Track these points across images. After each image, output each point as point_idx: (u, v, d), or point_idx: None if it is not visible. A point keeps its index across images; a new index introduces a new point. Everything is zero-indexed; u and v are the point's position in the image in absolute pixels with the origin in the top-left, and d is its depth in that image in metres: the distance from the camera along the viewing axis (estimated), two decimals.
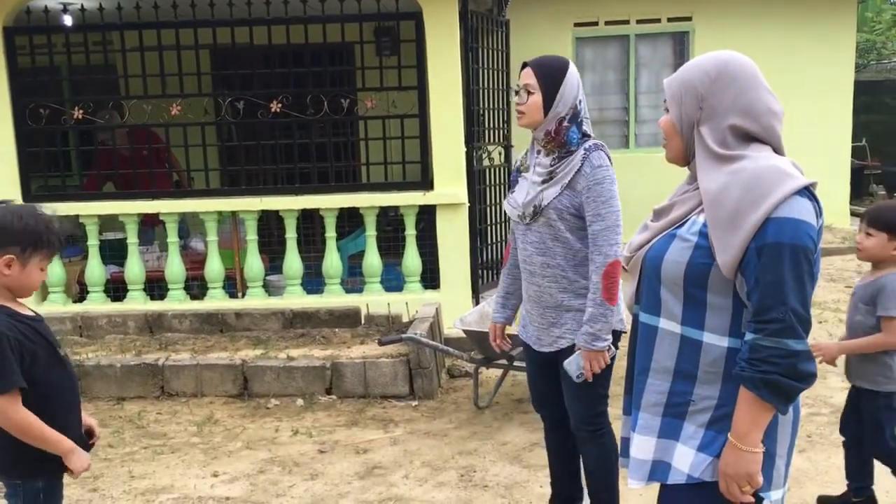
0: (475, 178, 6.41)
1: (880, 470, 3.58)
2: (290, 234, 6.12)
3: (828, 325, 6.03)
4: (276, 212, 6.18)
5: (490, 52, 6.93)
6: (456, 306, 5.73)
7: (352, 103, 6.04)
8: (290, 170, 6.44)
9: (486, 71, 6.81)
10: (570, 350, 2.97)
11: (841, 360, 3.33)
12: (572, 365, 2.90)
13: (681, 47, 9.22)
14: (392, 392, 5.12)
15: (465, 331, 4.79)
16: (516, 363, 4.66)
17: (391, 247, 6.62)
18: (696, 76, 1.89)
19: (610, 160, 2.91)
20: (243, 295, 6.25)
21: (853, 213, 9.47)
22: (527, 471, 4.03)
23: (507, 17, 7.71)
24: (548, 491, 3.43)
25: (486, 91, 6.81)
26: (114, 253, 6.45)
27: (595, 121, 8.00)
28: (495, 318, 3.34)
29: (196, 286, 6.44)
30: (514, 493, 3.81)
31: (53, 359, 2.38)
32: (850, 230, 8.89)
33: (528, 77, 2.95)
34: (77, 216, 6.09)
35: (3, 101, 5.90)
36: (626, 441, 2.08)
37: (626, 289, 2.14)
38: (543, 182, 2.93)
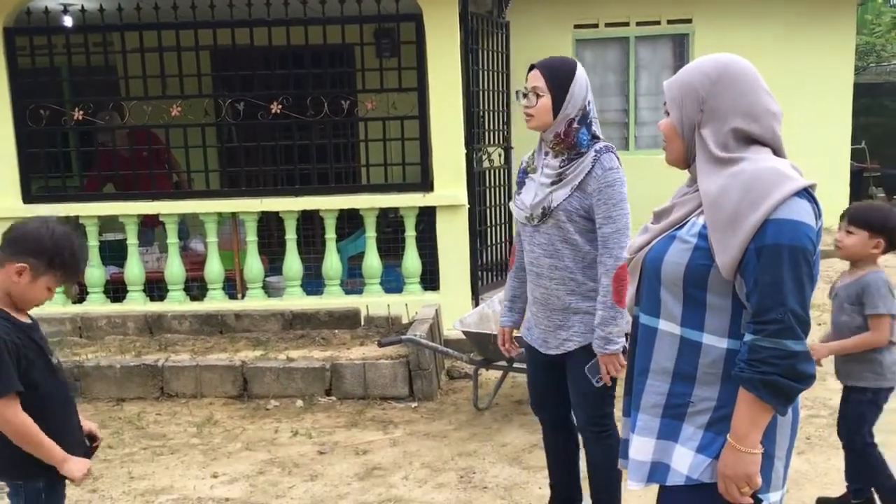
0: (475, 179, 6.41)
1: None
2: (290, 236, 6.12)
3: (827, 327, 6.01)
4: (276, 213, 6.18)
5: (490, 53, 6.94)
6: (456, 308, 5.73)
7: (352, 105, 6.04)
8: (290, 171, 6.45)
9: (486, 73, 6.82)
10: (577, 353, 2.96)
11: (830, 361, 3.34)
12: (593, 370, 2.90)
13: (681, 49, 9.22)
14: (392, 393, 5.12)
15: (464, 332, 4.79)
16: (516, 365, 4.66)
17: (391, 248, 6.61)
18: (697, 79, 1.90)
19: (619, 162, 2.90)
20: (243, 296, 6.25)
21: None
22: (526, 472, 4.03)
23: (507, 18, 7.73)
24: (547, 492, 3.43)
25: (486, 93, 6.81)
26: (113, 254, 6.45)
27: None
28: (503, 321, 3.32)
29: (196, 287, 6.44)
30: (513, 494, 3.81)
31: (45, 366, 2.38)
32: None
33: (537, 79, 2.92)
34: (77, 217, 6.09)
35: (3, 102, 5.90)
36: (626, 442, 2.09)
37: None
38: (553, 184, 2.91)
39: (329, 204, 6.05)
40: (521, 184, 3.09)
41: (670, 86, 1.95)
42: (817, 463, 4.01)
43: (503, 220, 7.17)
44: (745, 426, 1.80)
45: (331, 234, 6.11)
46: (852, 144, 9.88)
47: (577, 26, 9.12)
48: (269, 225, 6.90)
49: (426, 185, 6.01)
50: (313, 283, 6.26)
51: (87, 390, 5.19)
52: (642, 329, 2.01)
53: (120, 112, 6.24)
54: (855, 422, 3.25)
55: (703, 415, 1.90)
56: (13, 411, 2.27)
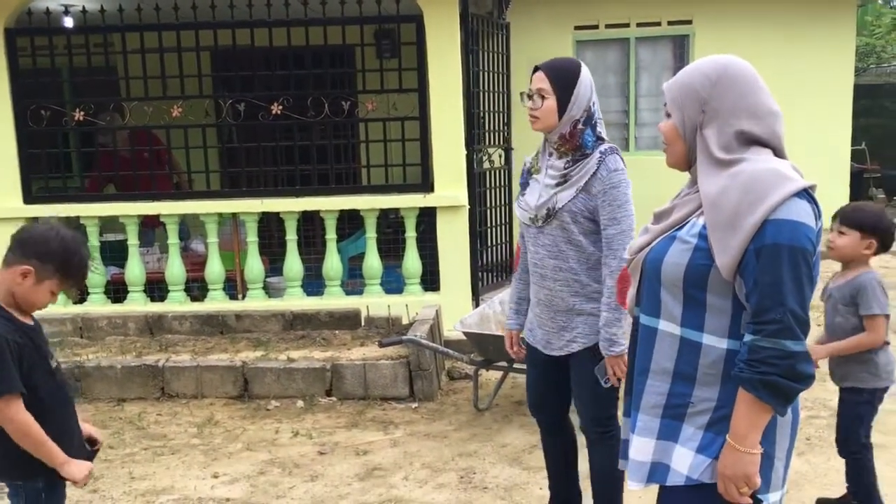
0: (475, 180, 6.42)
1: (881, 471, 3.59)
2: (291, 236, 6.13)
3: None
4: (277, 214, 6.19)
5: (490, 54, 6.95)
6: (456, 308, 5.74)
7: (352, 105, 6.05)
8: (290, 172, 6.46)
9: (486, 73, 6.83)
10: (581, 354, 2.96)
11: (825, 362, 3.34)
12: (601, 371, 2.90)
13: (681, 50, 9.23)
14: (392, 394, 5.12)
15: (465, 333, 4.80)
16: (516, 365, 4.66)
17: (391, 249, 6.62)
18: (697, 80, 1.90)
19: (624, 164, 2.90)
20: (243, 297, 6.25)
21: None
22: (526, 472, 4.04)
23: (507, 19, 7.74)
24: (547, 493, 3.43)
25: (486, 94, 6.82)
26: (114, 254, 6.45)
27: None
28: (509, 324, 3.30)
29: (196, 288, 6.45)
30: (513, 494, 3.82)
31: (45, 370, 2.38)
32: None
33: (541, 81, 2.91)
34: (78, 217, 6.10)
35: (4, 103, 5.91)
36: (626, 443, 2.09)
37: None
38: (557, 185, 2.90)
39: (329, 204, 6.06)
40: (524, 185, 3.08)
41: (670, 87, 1.95)
42: (817, 464, 4.01)
43: (503, 221, 7.18)
44: (744, 426, 1.81)
45: (331, 235, 6.12)
46: (852, 145, 9.88)
47: (577, 27, 9.12)
48: (270, 225, 6.90)
49: (426, 185, 6.01)
50: (314, 283, 6.27)
51: (88, 390, 5.20)
52: (642, 329, 2.01)
53: (121, 113, 6.25)
54: (853, 423, 3.25)
55: (703, 415, 1.90)
56: (16, 410, 2.27)
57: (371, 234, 6.11)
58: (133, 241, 6.14)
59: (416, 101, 5.94)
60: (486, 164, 6.86)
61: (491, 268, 7.04)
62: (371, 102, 6.01)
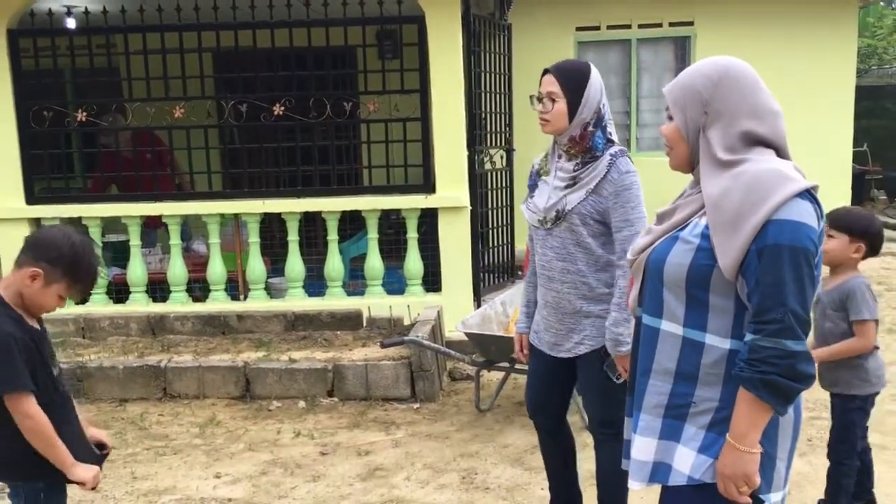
0: (477, 181, 6.43)
1: (881, 471, 3.59)
2: (292, 237, 6.14)
3: None
4: (279, 214, 6.20)
5: (492, 55, 6.95)
6: (457, 309, 5.74)
7: (354, 106, 6.05)
8: (292, 172, 6.47)
9: (488, 74, 6.84)
10: (588, 356, 2.95)
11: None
12: (611, 367, 2.90)
13: (682, 52, 9.23)
14: (394, 394, 5.13)
15: (466, 334, 4.80)
16: (518, 366, 4.66)
17: (393, 250, 6.63)
18: (699, 81, 1.91)
19: (633, 165, 2.89)
20: (245, 297, 6.26)
21: None
22: (528, 473, 4.04)
23: (509, 20, 7.74)
24: (549, 494, 3.43)
25: (488, 95, 6.83)
26: (116, 255, 6.46)
27: None
28: (519, 328, 3.29)
29: (198, 288, 6.46)
30: (515, 495, 3.82)
31: (47, 377, 2.39)
32: None
33: (551, 84, 2.89)
34: (80, 218, 6.11)
35: (6, 104, 5.93)
36: (628, 443, 2.10)
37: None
38: (567, 187, 2.89)
39: (331, 205, 6.07)
40: (532, 187, 3.07)
41: (672, 90, 1.96)
42: (818, 465, 4.00)
43: (505, 222, 7.19)
44: (744, 426, 1.81)
45: (333, 236, 6.12)
46: (854, 147, 9.88)
47: (578, 28, 9.13)
48: (272, 226, 6.91)
49: (428, 186, 6.02)
50: (315, 284, 6.27)
51: (90, 391, 5.21)
52: (645, 330, 2.02)
53: (123, 114, 6.26)
54: (845, 429, 3.23)
55: (705, 415, 1.91)
56: (31, 405, 2.29)
57: (373, 234, 6.12)
58: (135, 241, 6.15)
59: (418, 101, 5.95)
60: (488, 165, 6.86)
61: (492, 269, 7.05)
62: (373, 103, 6.02)
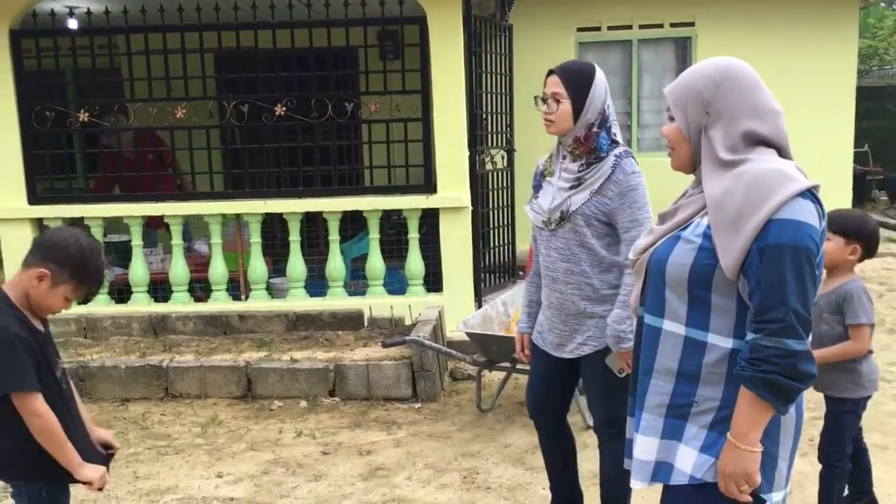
0: (478, 181, 6.44)
1: (882, 471, 3.60)
2: (294, 237, 6.15)
3: None
4: (280, 215, 6.21)
5: (493, 56, 6.96)
6: (459, 309, 5.75)
7: (355, 107, 6.06)
8: (293, 173, 6.48)
9: (489, 75, 6.85)
10: (592, 356, 2.95)
11: None
12: (613, 361, 2.90)
13: (683, 52, 9.24)
14: (395, 394, 5.14)
15: (468, 334, 4.81)
16: (519, 366, 4.67)
17: (394, 250, 6.64)
18: (700, 82, 1.92)
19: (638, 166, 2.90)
20: (247, 297, 6.27)
21: None
22: (529, 473, 4.05)
23: (510, 21, 7.75)
24: (549, 493, 3.44)
25: (489, 95, 6.84)
26: (118, 255, 6.47)
27: None
28: (521, 328, 3.28)
29: (199, 288, 6.47)
30: (516, 495, 3.83)
31: (52, 379, 2.40)
32: None
33: (556, 85, 2.89)
34: (82, 218, 6.12)
35: (9, 104, 5.94)
36: (630, 442, 2.10)
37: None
38: (571, 188, 2.90)
39: (332, 206, 6.08)
40: (537, 187, 3.07)
41: (673, 90, 1.97)
42: (820, 465, 4.01)
43: (506, 222, 7.20)
44: (745, 425, 1.82)
45: (334, 236, 6.13)
46: (855, 148, 9.89)
47: (579, 29, 9.14)
48: (273, 226, 6.92)
49: (429, 186, 6.03)
50: (317, 284, 6.28)
51: (92, 390, 5.21)
52: (647, 329, 2.02)
53: (125, 114, 6.27)
54: (836, 432, 3.22)
55: (707, 414, 1.91)
56: (43, 406, 2.30)
57: (374, 235, 6.13)
58: (137, 241, 6.16)
59: (419, 102, 5.96)
60: (489, 166, 6.87)
61: (494, 269, 7.06)
62: (374, 104, 6.03)
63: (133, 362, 5.29)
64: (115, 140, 6.50)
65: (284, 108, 5.92)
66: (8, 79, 5.91)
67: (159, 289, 6.33)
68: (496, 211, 7.05)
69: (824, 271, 3.19)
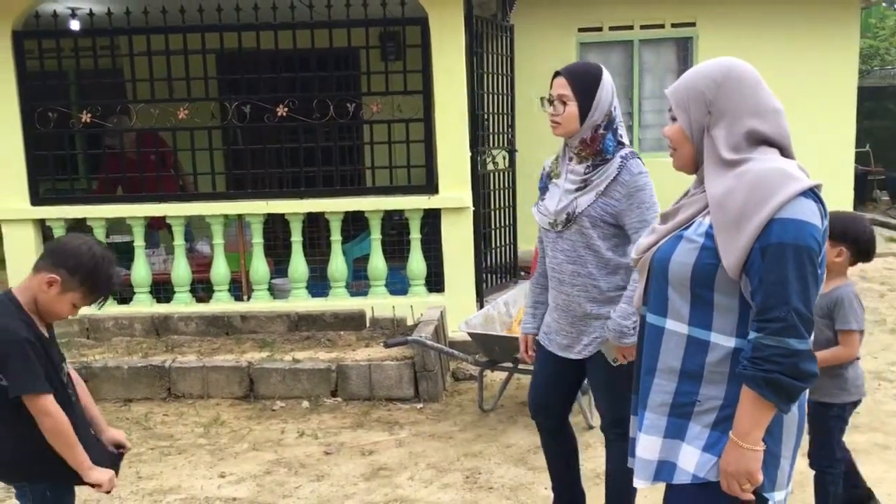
0: (480, 182, 6.44)
1: (883, 470, 3.61)
2: (296, 238, 6.16)
3: None
4: (282, 215, 6.22)
5: (495, 56, 6.97)
6: (461, 309, 5.75)
7: (357, 107, 6.07)
8: (295, 173, 6.49)
9: (490, 76, 6.85)
10: (599, 357, 2.95)
11: None
12: (609, 351, 2.90)
13: (684, 53, 9.25)
14: (397, 394, 5.14)
15: (469, 334, 4.81)
16: (521, 366, 4.68)
17: (396, 250, 6.65)
18: (702, 82, 1.92)
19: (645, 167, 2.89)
20: (249, 298, 6.28)
21: None
22: (531, 473, 4.06)
23: (511, 22, 7.76)
24: (552, 493, 3.44)
25: (490, 95, 6.85)
26: (120, 256, 6.47)
27: None
28: (525, 328, 3.28)
29: (201, 289, 6.48)
30: (518, 494, 3.84)
31: (58, 384, 2.41)
32: None
33: (562, 87, 2.88)
34: (85, 219, 6.13)
35: (11, 105, 5.95)
36: (633, 441, 2.11)
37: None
38: (577, 189, 2.89)
39: (334, 206, 6.08)
40: (543, 189, 3.06)
41: (675, 91, 1.97)
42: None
43: (508, 223, 7.21)
44: (747, 423, 1.82)
45: (336, 237, 6.14)
46: (856, 148, 9.89)
47: (581, 30, 9.15)
48: (275, 227, 6.93)
49: (431, 187, 6.03)
50: (319, 284, 6.29)
51: (95, 391, 5.20)
52: (649, 328, 2.03)
53: (127, 115, 6.28)
54: (823, 437, 3.20)
55: (710, 414, 1.92)
56: (55, 406, 2.31)
57: (376, 235, 6.14)
58: (139, 242, 6.17)
59: (421, 102, 5.96)
60: (490, 166, 6.88)
61: (495, 269, 7.07)
62: (376, 104, 6.03)
63: (135, 363, 5.30)
64: (117, 141, 6.52)
65: (286, 109, 5.92)
66: (10, 80, 5.92)
67: (161, 289, 6.34)
68: (498, 211, 7.05)
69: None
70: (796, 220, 1.78)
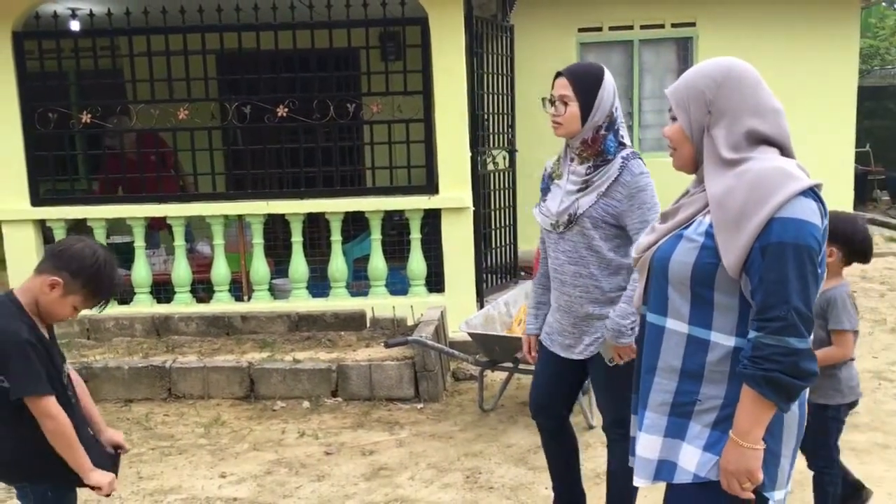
0: (480, 182, 6.45)
1: (883, 470, 3.61)
2: (296, 238, 6.16)
3: None
4: (282, 215, 6.22)
5: (495, 56, 6.97)
6: (461, 310, 5.75)
7: (357, 108, 6.07)
8: (295, 174, 6.49)
9: (490, 76, 6.86)
10: (600, 357, 2.96)
11: None
12: (606, 350, 2.89)
13: (684, 53, 9.25)
14: (397, 395, 5.15)
15: (470, 334, 4.82)
16: (521, 366, 4.68)
17: (396, 251, 6.65)
18: (702, 82, 1.93)
19: (646, 167, 2.89)
20: (249, 298, 6.28)
21: None
22: (532, 472, 4.06)
23: (511, 22, 7.76)
24: (552, 493, 3.45)
25: (490, 96, 6.85)
26: (120, 256, 6.47)
27: None
28: (529, 329, 3.28)
29: (202, 289, 6.48)
30: (519, 494, 3.84)
31: (59, 386, 2.41)
32: None
33: (564, 88, 2.88)
34: (85, 219, 6.14)
35: (12, 105, 5.95)
36: (634, 440, 2.11)
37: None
38: (579, 190, 2.89)
39: (334, 206, 6.09)
40: (545, 190, 3.06)
41: (675, 91, 1.98)
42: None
43: (508, 223, 7.21)
44: (747, 422, 1.83)
45: (336, 237, 6.14)
46: (856, 147, 9.89)
47: (581, 30, 9.15)
48: (275, 227, 6.93)
49: (431, 187, 6.03)
50: (319, 285, 6.29)
51: (96, 391, 5.21)
52: (650, 328, 2.03)
53: (128, 115, 6.29)
54: (820, 438, 3.18)
55: (710, 413, 1.92)
56: (57, 408, 2.31)
57: (376, 235, 6.14)
58: (139, 243, 6.17)
59: (421, 103, 5.96)
60: (491, 166, 6.88)
61: (495, 269, 7.07)
62: (376, 104, 6.04)
63: (136, 363, 5.30)
64: (117, 141, 6.52)
65: (286, 110, 5.93)
66: (10, 80, 5.93)
67: (162, 290, 6.35)
68: (498, 211, 7.05)
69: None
70: (796, 220, 1.78)
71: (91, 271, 2.36)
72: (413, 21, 5.92)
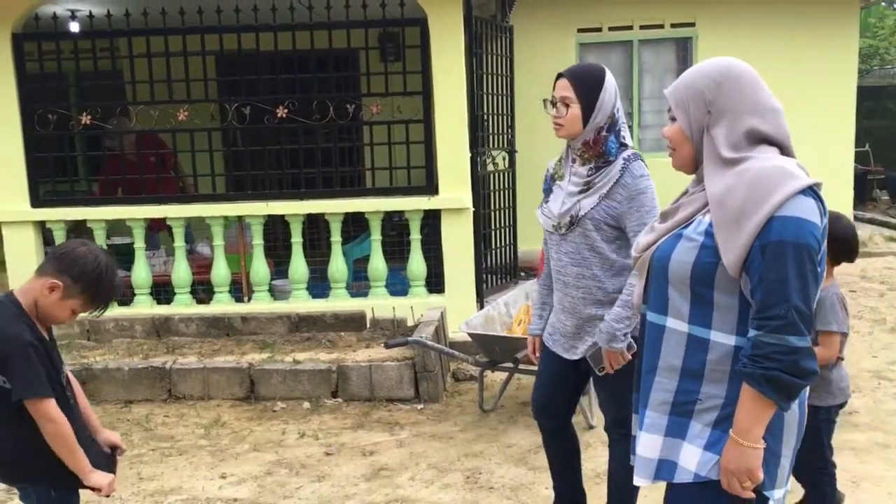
0: (479, 182, 6.45)
1: (883, 469, 3.61)
2: (296, 239, 6.16)
3: None
4: (282, 216, 6.22)
5: (494, 57, 6.98)
6: (461, 310, 5.76)
7: (357, 109, 6.08)
8: (295, 175, 6.50)
9: (490, 76, 6.86)
10: (600, 354, 2.97)
11: None
12: (595, 358, 2.88)
13: (684, 53, 9.24)
14: (397, 395, 5.15)
15: (470, 334, 4.82)
16: (522, 366, 4.68)
17: (396, 251, 6.65)
18: (701, 82, 1.93)
19: (647, 169, 2.89)
20: (249, 299, 6.28)
21: (856, 219, 9.50)
22: (532, 473, 4.06)
23: (510, 22, 7.77)
24: (553, 493, 3.45)
25: (490, 96, 6.85)
26: (120, 257, 6.48)
27: None
28: (532, 330, 3.28)
29: (202, 290, 6.48)
30: (519, 494, 3.84)
31: (58, 388, 2.41)
32: None
33: (565, 89, 2.88)
34: (85, 221, 6.14)
35: (11, 107, 5.96)
36: (634, 439, 2.11)
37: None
38: (580, 192, 2.89)
39: (334, 207, 6.09)
40: (547, 191, 3.06)
41: (674, 91, 1.98)
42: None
43: (507, 223, 7.21)
44: (747, 421, 1.83)
45: (336, 238, 6.14)
46: (856, 147, 9.88)
47: (580, 30, 9.14)
48: (275, 228, 6.93)
49: (431, 188, 6.04)
50: (319, 286, 6.30)
51: (96, 392, 5.22)
52: (650, 327, 2.03)
53: (127, 117, 6.29)
54: (814, 439, 3.18)
55: (711, 412, 1.92)
56: (57, 411, 2.32)
57: (376, 236, 6.14)
58: (139, 244, 6.17)
59: (421, 103, 5.96)
60: (490, 167, 6.88)
61: (495, 270, 7.07)
62: (375, 105, 6.04)
63: (136, 364, 5.30)
64: (117, 143, 6.52)
65: (286, 111, 5.93)
66: (10, 82, 5.93)
67: (162, 291, 6.35)
68: (498, 212, 7.06)
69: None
70: (796, 218, 1.78)
71: (92, 276, 2.36)
72: (412, 22, 5.92)
